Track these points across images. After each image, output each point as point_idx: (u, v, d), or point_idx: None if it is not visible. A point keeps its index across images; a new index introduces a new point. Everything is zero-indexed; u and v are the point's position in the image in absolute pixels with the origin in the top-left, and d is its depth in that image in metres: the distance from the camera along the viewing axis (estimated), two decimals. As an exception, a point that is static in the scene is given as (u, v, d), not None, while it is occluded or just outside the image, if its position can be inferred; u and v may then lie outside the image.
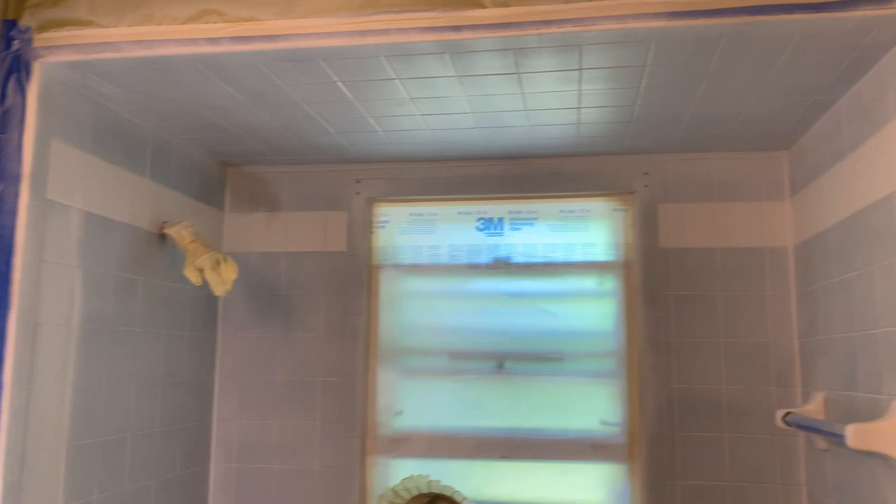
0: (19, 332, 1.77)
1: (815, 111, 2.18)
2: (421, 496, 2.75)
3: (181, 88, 2.04)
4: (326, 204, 2.86)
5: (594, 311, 2.72)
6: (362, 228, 2.83)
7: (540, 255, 2.76)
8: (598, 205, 2.76)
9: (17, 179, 1.80)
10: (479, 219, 2.83)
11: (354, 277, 2.81)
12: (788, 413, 2.27)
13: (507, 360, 2.73)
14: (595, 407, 2.66)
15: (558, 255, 2.75)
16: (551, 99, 2.12)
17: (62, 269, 1.95)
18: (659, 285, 2.61)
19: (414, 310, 2.84)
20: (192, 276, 2.35)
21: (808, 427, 2.14)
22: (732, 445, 2.50)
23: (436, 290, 2.84)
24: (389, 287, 2.86)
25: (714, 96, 2.08)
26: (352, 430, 2.72)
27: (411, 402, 2.79)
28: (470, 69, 1.91)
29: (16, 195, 1.79)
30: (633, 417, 2.61)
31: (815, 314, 2.31)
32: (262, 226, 2.88)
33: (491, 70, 1.92)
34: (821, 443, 2.23)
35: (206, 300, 2.72)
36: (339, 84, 2.02)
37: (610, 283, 2.72)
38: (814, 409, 2.23)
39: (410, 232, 2.87)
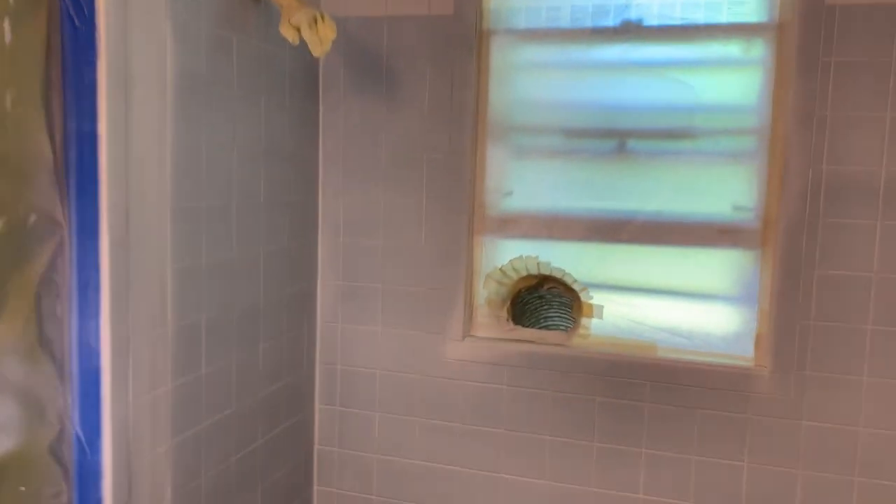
0: (109, 83, 1.65)
1: None
2: (529, 277, 2.66)
3: None
4: (432, -41, 2.54)
5: (736, 83, 2.38)
6: (472, -13, 2.52)
7: (678, 17, 2.39)
8: (752, -47, 2.32)
9: None
10: (607, -27, 2.45)
11: (462, 45, 2.54)
12: (965, 198, 1.96)
13: (631, 139, 2.47)
14: (727, 190, 2.40)
15: (699, 17, 2.37)
16: None
17: (149, 19, 1.79)
18: (819, 50, 2.22)
19: (528, 82, 2.57)
20: (289, 34, 2.16)
21: None
22: (886, 234, 2.22)
23: (554, 60, 2.55)
24: (501, 56, 2.59)
25: None
26: (459, 208, 2.59)
27: (522, 182, 2.61)
28: None
29: (89, -73, 1.60)
30: (771, 201, 2.35)
31: None
32: (361, -14, 2.61)
33: None
34: None
35: (306, 68, 2.54)
36: None
37: (758, 50, 2.34)
38: None
39: (526, -9, 2.54)
